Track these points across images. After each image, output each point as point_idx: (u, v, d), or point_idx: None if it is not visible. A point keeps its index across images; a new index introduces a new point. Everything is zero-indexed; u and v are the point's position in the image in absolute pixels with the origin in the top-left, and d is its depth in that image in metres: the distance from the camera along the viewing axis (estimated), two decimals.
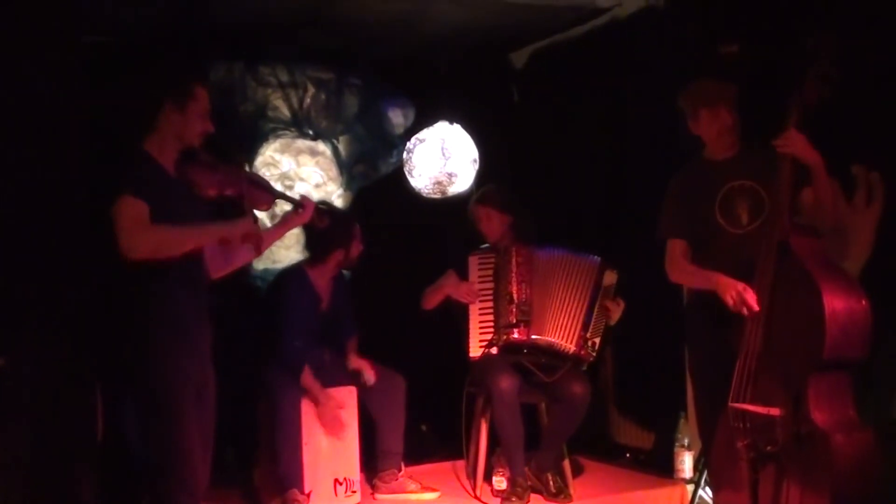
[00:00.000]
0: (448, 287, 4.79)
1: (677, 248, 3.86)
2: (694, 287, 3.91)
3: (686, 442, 4.80)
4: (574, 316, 4.65)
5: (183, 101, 3.22)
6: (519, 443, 4.57)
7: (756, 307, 3.39)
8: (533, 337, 4.64)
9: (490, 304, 4.73)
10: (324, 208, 3.82)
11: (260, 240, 3.38)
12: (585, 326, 4.63)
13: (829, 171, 3.55)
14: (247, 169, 4.97)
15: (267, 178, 5.35)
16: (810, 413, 3.20)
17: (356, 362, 4.78)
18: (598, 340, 4.64)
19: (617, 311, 4.66)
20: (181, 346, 3.22)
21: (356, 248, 4.76)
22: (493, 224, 4.85)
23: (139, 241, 3.09)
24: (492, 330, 4.68)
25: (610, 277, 4.69)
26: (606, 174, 5.56)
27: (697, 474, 4.69)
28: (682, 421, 4.82)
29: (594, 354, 4.65)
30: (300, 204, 3.59)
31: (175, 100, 3.22)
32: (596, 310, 4.64)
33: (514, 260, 4.71)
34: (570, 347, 4.62)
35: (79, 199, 3.49)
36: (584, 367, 4.70)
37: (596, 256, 4.73)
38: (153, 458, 3.21)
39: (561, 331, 4.65)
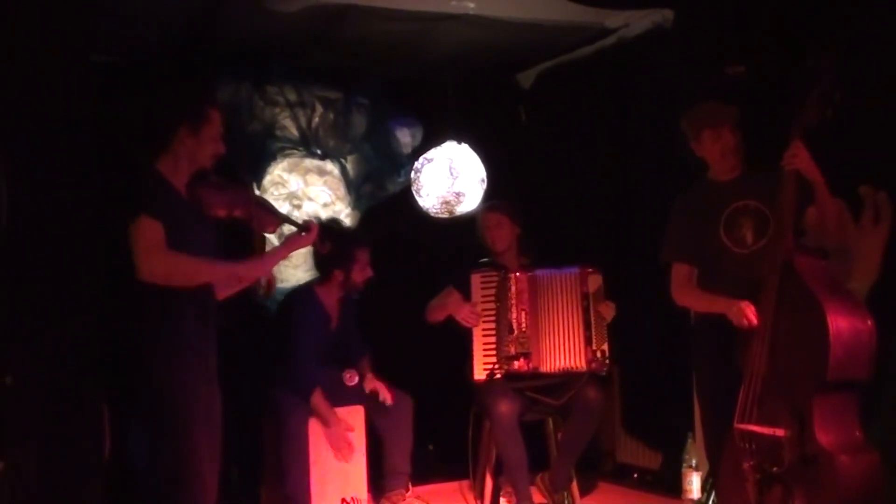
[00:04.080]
0: (450, 307, 4.77)
1: (682, 273, 3.86)
2: (702, 311, 3.91)
3: (694, 462, 4.78)
4: (574, 334, 4.65)
5: (198, 125, 3.26)
6: (522, 466, 4.55)
7: (754, 320, 3.39)
8: (541, 370, 4.64)
9: (493, 325, 4.71)
10: (328, 229, 3.83)
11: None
12: (588, 340, 4.63)
13: (836, 191, 3.54)
14: (255, 191, 4.99)
15: (275, 197, 5.39)
16: (815, 434, 3.18)
17: (372, 383, 4.79)
18: (605, 348, 4.64)
19: (610, 312, 4.65)
20: (190, 366, 3.22)
21: (360, 273, 4.76)
22: (503, 232, 4.85)
23: (156, 264, 3.13)
24: (495, 353, 4.67)
25: (595, 282, 4.68)
26: (613, 194, 5.58)
27: (705, 495, 4.66)
28: (689, 441, 4.80)
29: (607, 362, 4.64)
30: (305, 227, 3.61)
31: (190, 123, 3.25)
32: (592, 320, 4.64)
33: (513, 287, 4.70)
34: (582, 366, 4.61)
35: (88, 218, 3.50)
36: (603, 374, 4.69)
37: (574, 267, 4.73)
38: (162, 479, 3.20)
39: (568, 354, 4.64)
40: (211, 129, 3.30)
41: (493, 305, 4.74)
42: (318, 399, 4.57)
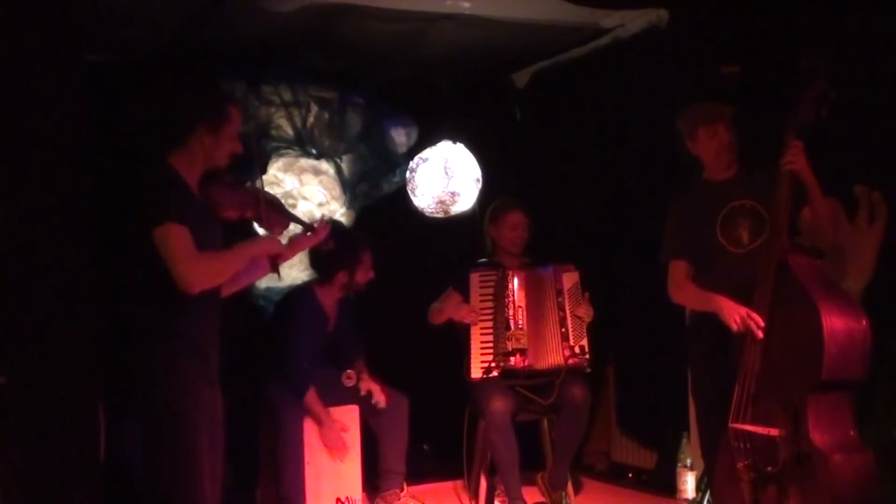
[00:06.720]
0: (449, 310, 4.78)
1: (680, 270, 3.86)
2: (696, 309, 3.91)
3: (689, 462, 4.78)
4: (553, 332, 4.68)
5: (219, 123, 3.19)
6: (514, 464, 4.55)
7: (761, 333, 3.37)
8: (536, 367, 4.64)
9: (490, 324, 4.73)
10: (334, 230, 3.79)
11: (282, 257, 3.40)
12: (565, 337, 4.65)
13: (832, 191, 3.55)
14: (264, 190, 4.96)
15: None
16: (810, 433, 3.18)
17: (367, 384, 4.78)
18: (584, 343, 4.65)
19: (585, 311, 4.68)
20: (194, 370, 3.16)
21: (363, 274, 4.77)
22: (525, 234, 4.89)
23: (196, 272, 3.06)
24: (492, 351, 4.68)
25: (569, 279, 4.72)
26: (608, 194, 5.58)
27: (700, 494, 4.65)
28: (684, 441, 4.80)
29: (587, 357, 4.64)
30: (312, 227, 3.55)
31: (210, 122, 3.18)
32: (568, 316, 4.66)
33: (510, 285, 4.71)
34: (561, 363, 4.62)
35: (83, 219, 3.49)
36: (588, 370, 4.69)
37: (549, 266, 4.77)
38: (163, 485, 3.14)
39: (552, 351, 4.66)
40: (231, 128, 3.23)
41: (490, 304, 4.75)
42: (312, 399, 4.57)
